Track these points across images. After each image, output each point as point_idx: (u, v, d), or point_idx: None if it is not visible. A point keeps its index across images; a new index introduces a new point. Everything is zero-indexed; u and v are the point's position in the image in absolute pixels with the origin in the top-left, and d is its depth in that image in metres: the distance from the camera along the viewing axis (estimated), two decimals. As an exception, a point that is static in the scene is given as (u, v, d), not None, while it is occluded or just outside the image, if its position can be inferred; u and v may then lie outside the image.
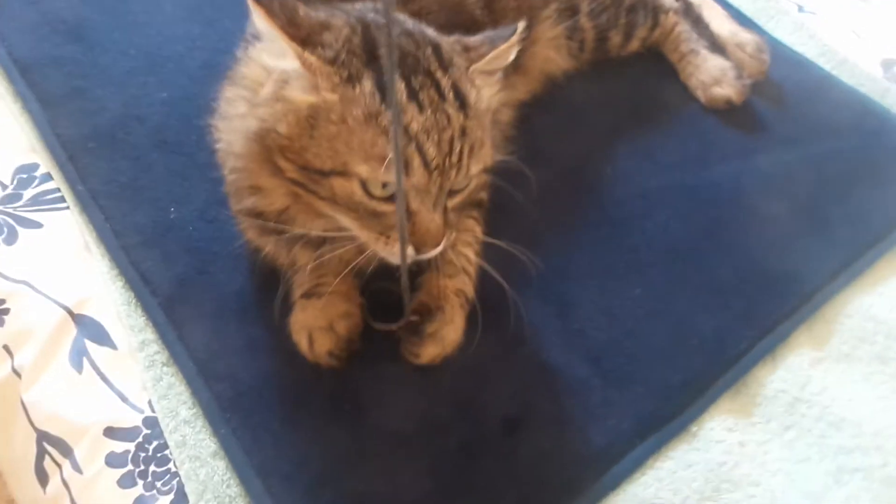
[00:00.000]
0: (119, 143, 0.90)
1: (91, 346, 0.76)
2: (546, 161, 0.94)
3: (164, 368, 0.74)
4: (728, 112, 1.02)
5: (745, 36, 1.07)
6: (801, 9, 1.21)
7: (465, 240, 0.78)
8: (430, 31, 0.66)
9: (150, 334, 0.76)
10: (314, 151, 0.60)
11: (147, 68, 0.98)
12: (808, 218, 0.91)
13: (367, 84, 0.59)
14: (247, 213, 0.73)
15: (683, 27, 1.08)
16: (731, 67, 1.03)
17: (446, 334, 0.72)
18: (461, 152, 0.61)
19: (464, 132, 0.61)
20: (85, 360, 0.75)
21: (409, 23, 0.67)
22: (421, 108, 0.59)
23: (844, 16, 1.21)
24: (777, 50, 1.08)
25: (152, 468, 0.69)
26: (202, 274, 0.80)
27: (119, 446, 0.70)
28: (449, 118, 0.60)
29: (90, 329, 0.77)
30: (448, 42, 0.66)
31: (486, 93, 0.66)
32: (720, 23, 1.11)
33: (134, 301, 0.78)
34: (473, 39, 0.67)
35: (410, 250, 0.62)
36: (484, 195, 0.83)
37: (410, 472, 0.68)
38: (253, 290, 0.80)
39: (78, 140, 0.89)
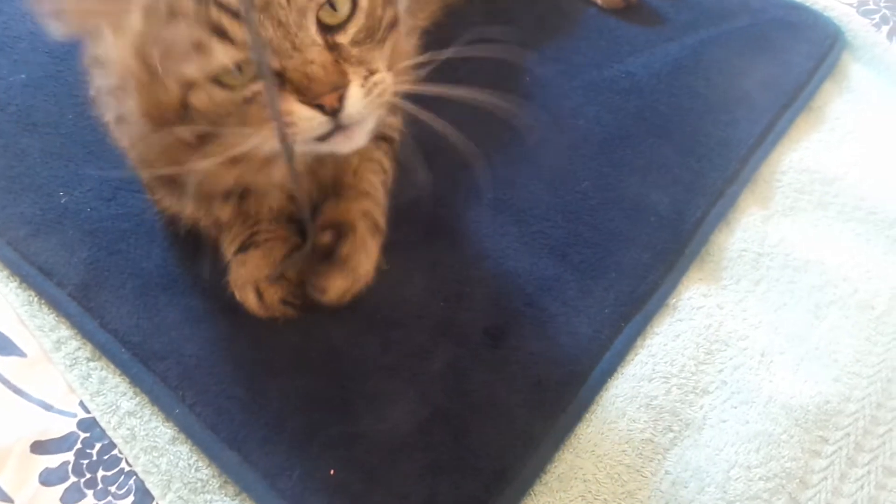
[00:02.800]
0: (-22, 133, 0.77)
1: (-6, 359, 0.64)
2: (458, 80, 0.90)
3: (91, 363, 0.64)
4: (626, 11, 1.02)
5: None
6: None
7: (370, 167, 0.71)
8: None
9: (64, 331, 0.65)
10: (163, 89, 0.51)
11: (-4, 49, 0.86)
12: (726, 91, 0.92)
13: None
14: (164, 179, 0.63)
15: (568, -64, 1.07)
16: (621, -34, 1.03)
17: (358, 263, 0.64)
18: None
19: None
20: (-10, 375, 0.63)
21: None
22: None
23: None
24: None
25: (101, 473, 0.59)
26: (113, 254, 0.70)
27: (53, 460, 0.59)
28: None
29: (-11, 340, 0.65)
30: None
31: None
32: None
33: (36, 299, 0.67)
34: None
35: (313, 114, 0.50)
36: (393, 133, 0.76)
37: (402, 404, 0.62)
38: (177, 259, 0.70)
39: (-74, 138, 0.76)
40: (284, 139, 0.51)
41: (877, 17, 1.09)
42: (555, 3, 1.04)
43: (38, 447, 0.60)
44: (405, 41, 0.89)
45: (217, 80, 0.50)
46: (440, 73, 0.86)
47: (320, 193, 0.69)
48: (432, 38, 0.94)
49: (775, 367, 0.66)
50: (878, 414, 0.63)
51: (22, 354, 0.65)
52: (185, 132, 0.53)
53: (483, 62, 0.93)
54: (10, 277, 0.68)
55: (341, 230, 0.64)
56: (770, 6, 1.06)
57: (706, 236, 0.77)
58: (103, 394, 0.62)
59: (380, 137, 0.74)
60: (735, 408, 0.63)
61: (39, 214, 0.72)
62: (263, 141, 0.52)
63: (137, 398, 0.62)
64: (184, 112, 0.51)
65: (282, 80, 0.50)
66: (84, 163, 0.77)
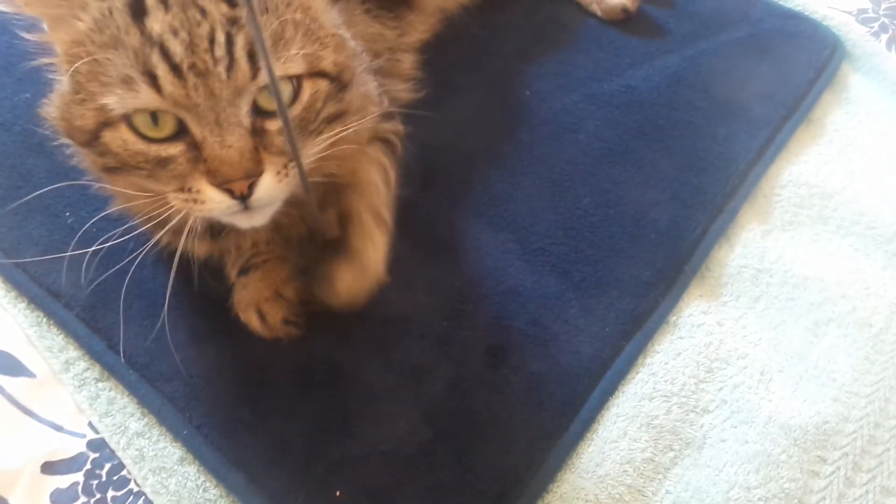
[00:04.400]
0: (-15, 155, 0.78)
1: (4, 381, 0.65)
2: (461, 95, 0.91)
3: (100, 384, 0.65)
4: (625, 22, 1.03)
5: (627, -54, 1.08)
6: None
7: (369, 166, 0.68)
8: None
9: (73, 352, 0.66)
10: (79, 112, 0.51)
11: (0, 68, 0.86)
12: (724, 104, 0.93)
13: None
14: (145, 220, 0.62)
15: (567, -53, 1.07)
16: (619, -22, 1.03)
17: (367, 255, 0.61)
18: (231, 47, 0.48)
19: (234, 22, 0.49)
20: (0, 397, 0.64)
21: None
22: (167, 7, 0.48)
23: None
24: (656, -45, 1.10)
25: (111, 493, 0.60)
26: (120, 275, 0.70)
27: (64, 480, 0.60)
28: (204, 10, 0.48)
29: (-2, 362, 0.66)
30: None
31: None
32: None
33: (45, 320, 0.68)
34: None
35: (223, 197, 0.50)
36: (393, 137, 0.75)
37: (405, 425, 0.62)
38: (181, 281, 0.71)
39: (-67, 160, 0.77)
40: (304, 179, 0.52)
41: (876, 25, 1.09)
42: (553, 15, 1.05)
43: (49, 468, 0.61)
44: (405, 58, 0.90)
45: (133, 128, 0.50)
46: (440, 86, 0.87)
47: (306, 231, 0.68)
48: (434, 51, 0.95)
49: (774, 386, 0.67)
50: (875, 434, 0.64)
51: (31, 375, 0.66)
52: (92, 158, 0.53)
53: (483, 76, 0.94)
54: (19, 298, 0.69)
55: (348, 226, 0.62)
56: (769, 16, 1.06)
57: (706, 252, 0.78)
58: (112, 414, 0.63)
59: (380, 139, 0.73)
60: (735, 427, 0.64)
61: (47, 235, 0.73)
62: (171, 204, 0.52)
63: (146, 419, 0.63)
64: (93, 142, 0.51)
65: (197, 153, 0.50)
66: (89, 183, 0.77)
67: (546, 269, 0.75)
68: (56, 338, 0.67)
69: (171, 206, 0.53)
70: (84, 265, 0.71)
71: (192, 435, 0.61)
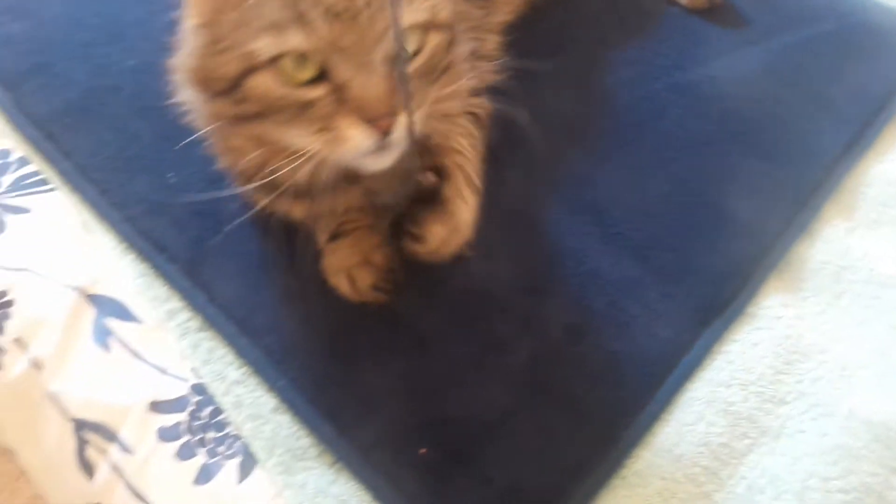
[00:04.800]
0: (96, 115, 0.83)
1: (114, 324, 0.70)
2: (543, 79, 0.91)
3: (201, 334, 0.69)
4: (710, 11, 1.02)
5: (714, -66, 1.07)
6: None
7: (458, 131, 0.70)
8: None
9: (176, 303, 0.71)
10: (223, 60, 0.52)
11: (108, 37, 0.91)
12: (811, 98, 0.92)
13: None
14: (243, 179, 0.66)
15: (650, -67, 1.06)
16: (706, -34, 1.02)
17: (457, 209, 0.63)
18: None
19: None
20: (111, 339, 0.69)
21: None
22: None
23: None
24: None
25: (211, 434, 0.64)
26: (218, 234, 0.75)
27: (169, 419, 0.65)
28: None
29: (109, 307, 0.71)
30: None
31: None
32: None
33: (151, 272, 0.72)
34: None
35: (365, 135, 0.52)
36: (479, 111, 0.76)
37: (485, 393, 0.65)
38: (275, 242, 0.74)
39: (52, 117, 0.82)
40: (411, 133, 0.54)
41: (972, 24, 1.05)
42: (637, 3, 1.04)
43: (156, 406, 0.65)
44: (489, 38, 0.91)
45: (278, 71, 0.51)
46: (523, 70, 0.89)
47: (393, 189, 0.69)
48: (518, 33, 0.97)
49: (856, 382, 0.67)
50: (959, 434, 0.64)
51: (139, 321, 0.70)
52: (226, 108, 0.55)
53: (566, 61, 0.95)
54: (128, 250, 0.73)
55: (441, 173, 0.63)
56: (857, 9, 1.04)
57: (787, 246, 0.77)
58: (212, 363, 0.67)
59: (468, 113, 0.75)
60: (814, 420, 0.64)
61: (152, 193, 0.77)
62: (311, 147, 0.54)
63: (243, 368, 0.67)
64: (233, 90, 0.53)
65: (341, 94, 0.52)
66: (190, 146, 0.80)
67: (625, 253, 0.76)
68: (161, 289, 0.71)
69: (294, 155, 0.55)
70: (185, 223, 0.76)
71: (287, 386, 0.64)
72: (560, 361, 0.68)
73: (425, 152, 0.66)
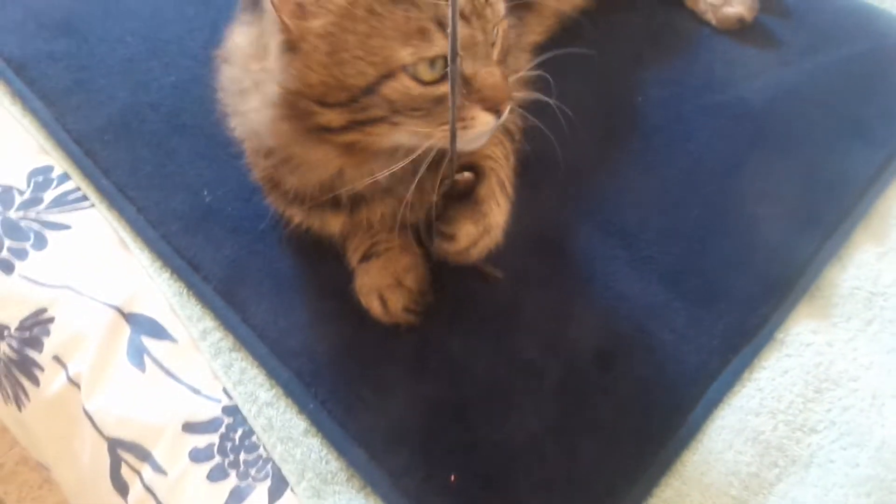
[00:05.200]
0: (136, 132, 0.85)
1: (149, 343, 0.71)
2: (575, 97, 0.92)
3: (233, 354, 0.70)
4: (741, 31, 1.01)
5: (745, -47, 1.06)
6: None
7: (491, 140, 0.69)
8: None
9: (209, 322, 0.72)
10: (353, 71, 0.54)
11: (148, 54, 0.93)
12: (843, 120, 0.91)
13: None
14: (290, 196, 0.68)
15: (686, -48, 1.06)
16: (736, -14, 1.02)
17: (490, 210, 0.64)
18: None
19: None
20: (146, 358, 0.70)
21: None
22: None
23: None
24: (775, -37, 1.08)
25: (242, 456, 0.65)
26: (252, 254, 0.76)
27: (201, 440, 0.66)
28: None
29: (145, 325, 0.72)
30: None
31: None
32: (718, -55, 1.10)
33: (186, 291, 0.74)
34: None
35: (490, 118, 0.58)
36: (513, 127, 0.78)
37: (514, 418, 0.65)
38: (308, 262, 0.76)
39: (92, 134, 0.84)
40: (453, 137, 0.57)
41: None
42: (668, 21, 1.04)
43: (188, 427, 0.66)
44: (521, 57, 0.92)
45: (413, 75, 0.55)
46: (555, 88, 0.89)
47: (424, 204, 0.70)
48: (550, 52, 0.97)
49: (887, 411, 0.66)
50: None
51: (174, 340, 0.72)
52: (338, 117, 0.56)
53: (597, 80, 0.95)
54: (163, 268, 0.75)
55: (477, 173, 0.65)
56: (892, 31, 1.03)
57: (818, 271, 0.77)
58: (244, 383, 0.68)
59: (502, 126, 0.75)
60: (844, 449, 0.64)
61: (188, 211, 0.79)
62: (437, 137, 0.58)
63: (274, 390, 0.68)
64: (361, 97, 0.55)
65: (468, 87, 0.56)
66: (225, 164, 0.83)
67: (654, 277, 0.76)
68: (195, 308, 0.73)
69: (391, 154, 0.59)
70: (221, 241, 0.77)
71: (317, 409, 0.65)
72: (589, 386, 0.68)
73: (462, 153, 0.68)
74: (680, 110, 0.92)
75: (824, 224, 0.80)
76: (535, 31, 0.97)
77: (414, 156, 0.59)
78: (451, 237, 0.64)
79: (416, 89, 0.55)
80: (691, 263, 0.77)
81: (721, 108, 0.92)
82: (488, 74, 0.57)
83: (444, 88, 0.55)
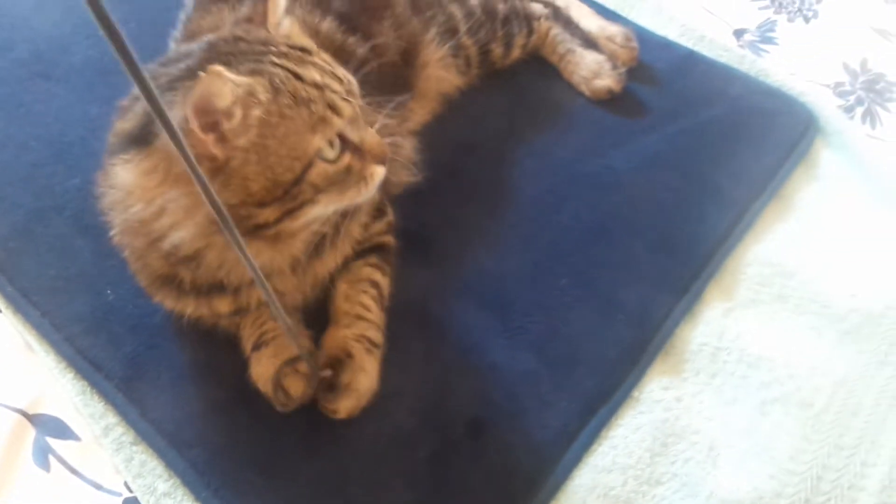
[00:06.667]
0: (40, 237, 0.90)
1: (54, 443, 0.76)
2: (455, 174, 1.00)
3: (133, 448, 0.75)
4: (612, 100, 1.11)
5: (613, 28, 1.17)
6: (655, -7, 1.32)
7: (360, 288, 0.81)
8: (210, 36, 0.69)
9: (111, 418, 0.77)
10: (281, 169, 0.63)
11: (52, 157, 0.98)
12: (699, 183, 1.00)
13: (277, 70, 0.62)
14: (185, 288, 0.74)
15: (557, 30, 1.16)
16: (606, 60, 1.12)
17: (360, 384, 0.74)
18: (343, 75, 0.68)
19: (328, 62, 0.68)
20: (51, 457, 0.75)
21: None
22: (309, 66, 0.65)
23: (695, -5, 1.33)
24: (642, 36, 1.17)
25: (142, 547, 0.70)
26: (152, 349, 0.82)
27: (104, 534, 0.71)
28: (316, 62, 0.66)
29: (49, 426, 0.77)
30: (236, 29, 0.69)
31: (294, 31, 0.71)
32: (588, 20, 1.20)
33: (89, 389, 0.79)
34: (245, 10, 0.75)
35: (382, 168, 0.69)
36: (386, 239, 0.87)
37: (390, 488, 0.72)
38: (204, 353, 0.82)
39: (-3, 243, 0.89)
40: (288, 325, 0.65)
41: (852, 98, 1.16)
42: (546, 94, 1.13)
43: (91, 522, 0.72)
44: (405, 143, 1.00)
45: (323, 158, 0.64)
46: (438, 167, 0.97)
47: (315, 289, 0.80)
48: (432, 132, 1.05)
49: (721, 462, 0.75)
50: (805, 509, 0.72)
51: (77, 438, 0.77)
52: (273, 212, 0.65)
53: (479, 155, 1.04)
54: (67, 369, 0.80)
55: (339, 363, 0.75)
56: (748, 93, 1.13)
57: (670, 331, 0.86)
58: (143, 476, 0.74)
59: (369, 250, 0.84)
60: (682, 500, 0.72)
61: (90, 312, 0.84)
62: (349, 199, 0.69)
63: (171, 480, 0.73)
64: (291, 189, 0.64)
65: (360, 151, 0.67)
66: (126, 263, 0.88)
67: (524, 346, 0.84)
68: (97, 405, 0.78)
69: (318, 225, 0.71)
70: (121, 339, 0.83)
71: (210, 497, 0.71)
72: (460, 455, 0.75)
73: (330, 327, 0.79)
74: (551, 181, 1.00)
75: (676, 286, 0.89)
76: (419, 114, 1.05)
77: (320, 226, 0.70)
78: (333, 411, 0.74)
79: (330, 168, 0.66)
80: (557, 332, 0.85)
81: (589, 177, 1.01)
82: (370, 136, 0.69)
83: (346, 159, 0.66)
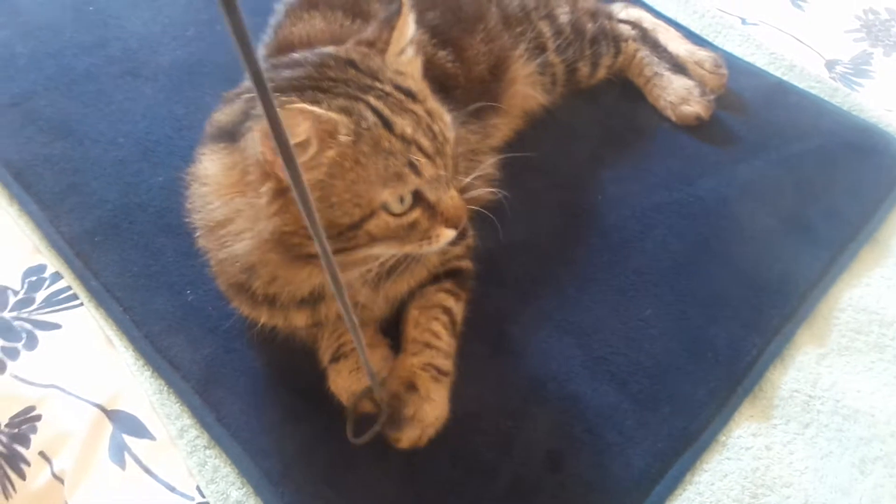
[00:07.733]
0: (125, 233, 0.91)
1: (130, 440, 0.76)
2: (538, 195, 0.98)
3: (207, 451, 0.75)
4: (699, 127, 1.08)
5: (702, 53, 1.13)
6: (743, 21, 1.29)
7: (431, 315, 0.79)
8: (328, 49, 0.68)
9: (187, 420, 0.77)
10: (340, 212, 0.62)
11: (138, 155, 0.99)
12: (790, 219, 0.96)
13: (368, 114, 0.61)
14: (259, 299, 0.73)
15: (644, 52, 1.14)
16: (695, 85, 1.09)
17: (425, 414, 0.72)
18: (440, 131, 0.65)
19: (429, 114, 0.65)
20: (126, 455, 0.75)
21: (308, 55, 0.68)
22: (401, 115, 0.63)
23: (784, 24, 1.29)
24: (731, 62, 1.13)
25: (213, 555, 0.69)
26: (229, 353, 0.81)
27: (174, 538, 0.70)
28: (415, 111, 0.64)
29: (126, 423, 0.77)
30: (353, 51, 0.67)
31: (412, 67, 0.69)
32: (676, 44, 1.17)
33: (166, 389, 0.79)
34: (370, 32, 0.69)
35: (452, 232, 0.67)
36: (464, 264, 0.85)
37: (468, 520, 0.70)
38: (280, 361, 0.81)
39: (82, 236, 0.90)
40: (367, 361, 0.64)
41: (953, 139, 1.10)
42: (630, 118, 1.11)
43: (162, 525, 0.71)
44: (486, 160, 0.98)
45: (388, 210, 0.63)
46: (518, 187, 0.95)
47: (390, 307, 0.80)
48: (513, 151, 1.03)
49: (816, 518, 0.71)
50: (911, 578, 0.67)
51: (152, 437, 0.76)
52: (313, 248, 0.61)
53: (559, 177, 1.02)
54: (145, 367, 0.80)
55: (401, 396, 0.72)
56: (841, 128, 1.08)
57: (760, 374, 0.82)
58: (216, 482, 0.73)
59: (444, 275, 0.82)
60: (773, 556, 0.69)
61: (171, 311, 0.84)
62: (407, 250, 0.67)
63: (245, 489, 0.72)
64: (348, 232, 0.63)
65: (432, 211, 0.65)
66: (207, 264, 0.88)
67: (606, 378, 0.81)
68: (174, 406, 0.78)
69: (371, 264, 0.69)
70: (200, 341, 0.82)
71: (284, 509, 0.70)
72: (539, 489, 0.72)
73: (400, 356, 0.77)
74: (636, 209, 0.97)
75: (768, 327, 0.85)
76: (502, 131, 1.03)
77: (383, 260, 0.68)
78: (396, 440, 0.72)
79: (393, 222, 0.64)
80: (641, 365, 0.82)
81: (676, 205, 0.98)
82: (449, 198, 0.66)
83: (414, 216, 0.64)
